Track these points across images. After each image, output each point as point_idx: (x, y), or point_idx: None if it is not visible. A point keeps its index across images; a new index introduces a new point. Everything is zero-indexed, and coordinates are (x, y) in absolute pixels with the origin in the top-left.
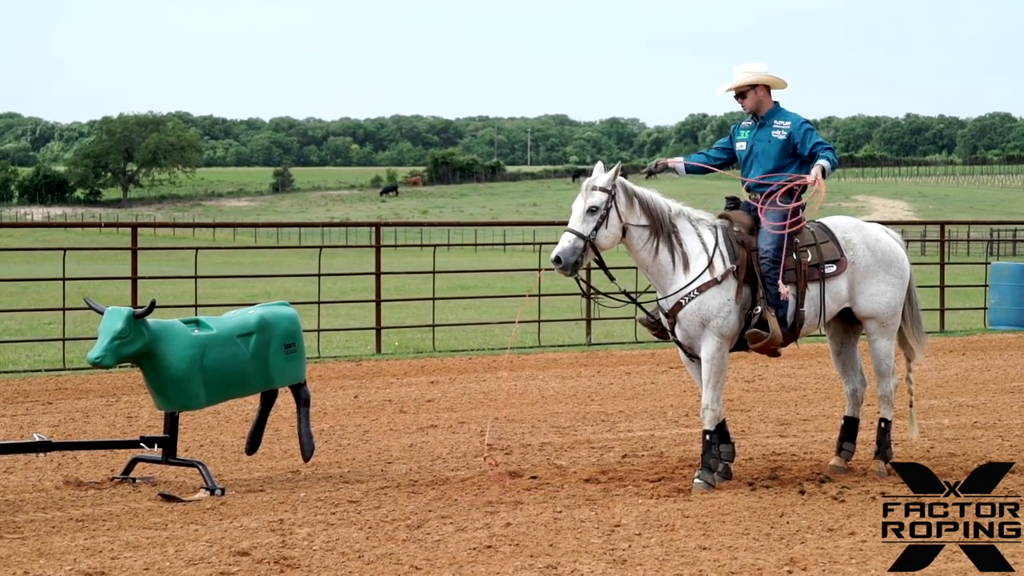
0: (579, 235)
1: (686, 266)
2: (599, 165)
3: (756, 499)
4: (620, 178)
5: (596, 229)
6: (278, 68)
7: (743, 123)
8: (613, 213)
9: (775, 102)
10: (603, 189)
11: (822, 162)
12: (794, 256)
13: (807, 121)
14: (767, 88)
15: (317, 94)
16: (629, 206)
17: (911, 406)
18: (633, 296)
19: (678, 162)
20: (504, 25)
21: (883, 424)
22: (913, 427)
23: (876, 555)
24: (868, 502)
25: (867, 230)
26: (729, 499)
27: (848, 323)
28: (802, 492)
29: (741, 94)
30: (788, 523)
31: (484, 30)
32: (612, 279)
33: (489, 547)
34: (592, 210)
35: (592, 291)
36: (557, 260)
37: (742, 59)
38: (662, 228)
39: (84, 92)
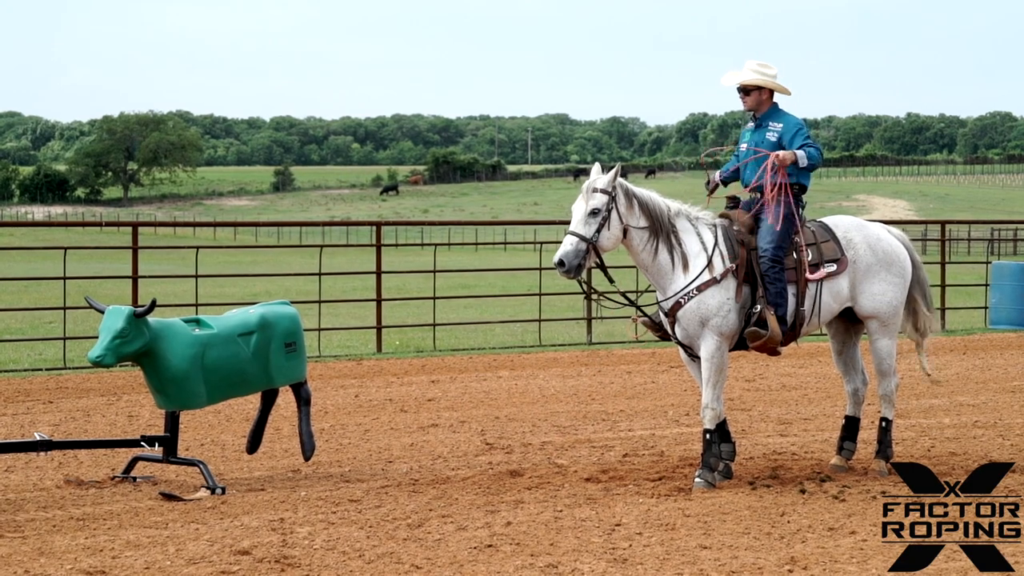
0: (582, 237)
1: (685, 266)
2: (596, 166)
3: (757, 498)
4: (620, 179)
5: (598, 231)
6: (279, 67)
7: (747, 125)
8: (614, 215)
9: (774, 103)
10: (604, 191)
11: (799, 151)
12: (794, 255)
13: (800, 123)
14: (771, 92)
15: (318, 93)
16: (629, 207)
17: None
18: (633, 299)
19: (715, 175)
20: (505, 24)
21: (884, 423)
22: (924, 360)
23: (877, 554)
24: (869, 501)
25: (868, 229)
26: (730, 498)
27: (849, 322)
28: (803, 491)
29: (745, 90)
30: (789, 522)
31: (484, 29)
32: (612, 281)
33: (490, 546)
34: (594, 212)
35: (593, 292)
36: (561, 263)
37: (744, 58)
38: (661, 228)
39: (85, 91)
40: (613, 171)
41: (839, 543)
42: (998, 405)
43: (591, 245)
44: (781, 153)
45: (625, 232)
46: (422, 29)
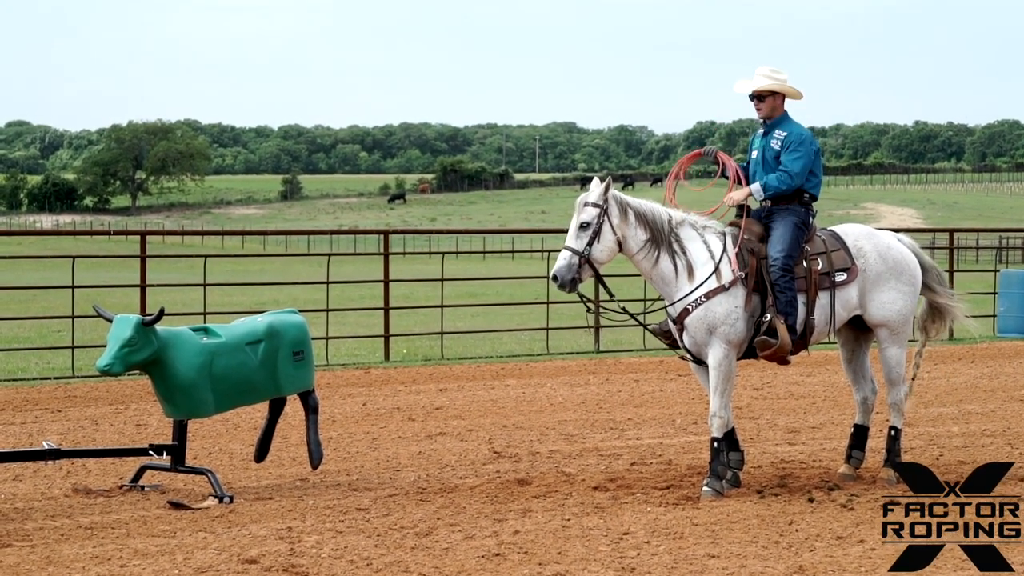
0: (574, 251)
1: (690, 273)
2: (595, 180)
3: (765, 507)
4: (614, 191)
5: (590, 245)
6: (287, 76)
7: (758, 132)
8: (606, 227)
9: (785, 111)
10: (595, 204)
11: (755, 185)
12: (804, 264)
13: (803, 134)
14: (783, 97)
15: (325, 102)
16: (623, 219)
17: (913, 378)
18: (630, 311)
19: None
20: (512, 32)
21: (893, 432)
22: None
23: (885, 563)
24: (877, 510)
25: (878, 238)
26: (738, 507)
27: (859, 331)
28: (811, 500)
29: (760, 97)
30: (797, 531)
31: (492, 37)
32: (612, 295)
33: (497, 555)
34: (584, 226)
35: (589, 302)
36: (555, 278)
37: (751, 66)
38: (662, 238)
39: (93, 100)
40: (603, 184)
41: (847, 552)
42: (1007, 414)
43: (583, 259)
44: (731, 196)
45: (621, 243)
46: (429, 38)
